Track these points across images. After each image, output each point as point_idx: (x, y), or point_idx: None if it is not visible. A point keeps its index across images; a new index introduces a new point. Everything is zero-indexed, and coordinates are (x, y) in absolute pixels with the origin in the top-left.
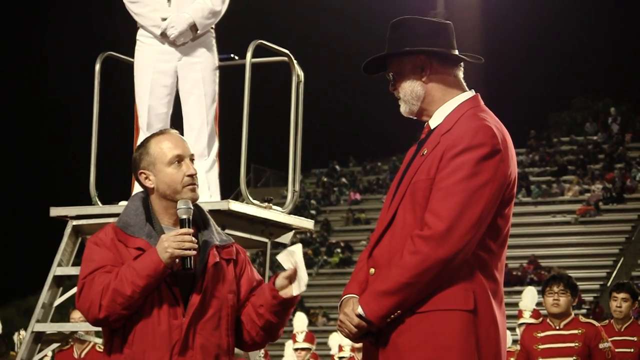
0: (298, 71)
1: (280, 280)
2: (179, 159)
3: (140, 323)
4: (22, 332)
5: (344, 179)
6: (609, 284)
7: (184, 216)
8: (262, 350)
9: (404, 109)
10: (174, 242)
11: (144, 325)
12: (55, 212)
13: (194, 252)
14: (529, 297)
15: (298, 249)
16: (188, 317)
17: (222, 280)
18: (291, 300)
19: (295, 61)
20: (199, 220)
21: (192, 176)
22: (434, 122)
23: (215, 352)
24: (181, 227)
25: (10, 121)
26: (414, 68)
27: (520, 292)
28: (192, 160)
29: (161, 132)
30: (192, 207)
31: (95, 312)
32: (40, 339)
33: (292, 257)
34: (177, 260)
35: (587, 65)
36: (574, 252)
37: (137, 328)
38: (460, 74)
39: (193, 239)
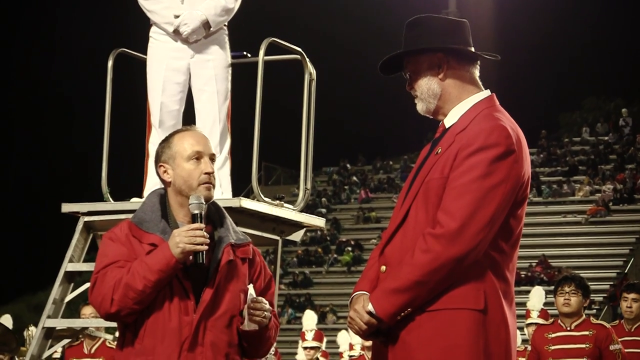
0: (310, 69)
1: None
2: (198, 156)
3: (151, 318)
4: (32, 327)
5: (354, 178)
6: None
7: (196, 211)
8: (273, 348)
9: (420, 107)
10: (185, 237)
11: (155, 321)
12: (66, 208)
13: (206, 247)
14: (536, 296)
15: (250, 288)
16: (198, 314)
17: (235, 278)
18: (250, 333)
19: (307, 59)
20: (215, 217)
21: (209, 174)
22: (448, 121)
23: (226, 349)
24: (193, 222)
25: (21, 118)
26: (431, 66)
27: (529, 292)
28: (212, 160)
29: (186, 129)
30: (204, 203)
31: (107, 306)
32: (51, 335)
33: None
34: (190, 255)
35: (599, 65)
36: (584, 253)
37: (148, 323)
38: (477, 72)
39: (205, 233)
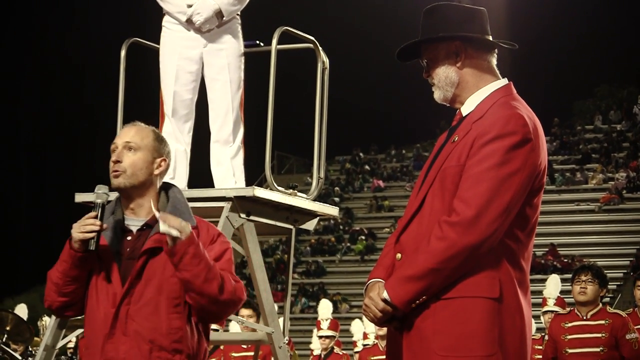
0: (323, 58)
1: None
2: (114, 147)
3: (87, 311)
4: (46, 317)
5: (367, 166)
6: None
7: (97, 200)
8: (286, 337)
9: (437, 95)
10: (76, 226)
11: (90, 313)
12: (80, 198)
13: (92, 235)
14: (552, 284)
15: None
16: (115, 305)
17: (163, 265)
18: (173, 245)
19: (320, 48)
20: (163, 206)
21: (114, 162)
22: (466, 109)
23: (150, 336)
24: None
25: (34, 106)
26: (448, 54)
27: (543, 280)
28: (130, 148)
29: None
30: (106, 193)
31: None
32: (65, 325)
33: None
34: (91, 242)
35: (612, 53)
36: (597, 241)
37: (86, 316)
38: (494, 61)
39: (95, 221)
